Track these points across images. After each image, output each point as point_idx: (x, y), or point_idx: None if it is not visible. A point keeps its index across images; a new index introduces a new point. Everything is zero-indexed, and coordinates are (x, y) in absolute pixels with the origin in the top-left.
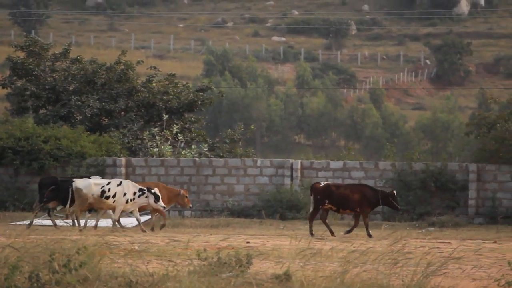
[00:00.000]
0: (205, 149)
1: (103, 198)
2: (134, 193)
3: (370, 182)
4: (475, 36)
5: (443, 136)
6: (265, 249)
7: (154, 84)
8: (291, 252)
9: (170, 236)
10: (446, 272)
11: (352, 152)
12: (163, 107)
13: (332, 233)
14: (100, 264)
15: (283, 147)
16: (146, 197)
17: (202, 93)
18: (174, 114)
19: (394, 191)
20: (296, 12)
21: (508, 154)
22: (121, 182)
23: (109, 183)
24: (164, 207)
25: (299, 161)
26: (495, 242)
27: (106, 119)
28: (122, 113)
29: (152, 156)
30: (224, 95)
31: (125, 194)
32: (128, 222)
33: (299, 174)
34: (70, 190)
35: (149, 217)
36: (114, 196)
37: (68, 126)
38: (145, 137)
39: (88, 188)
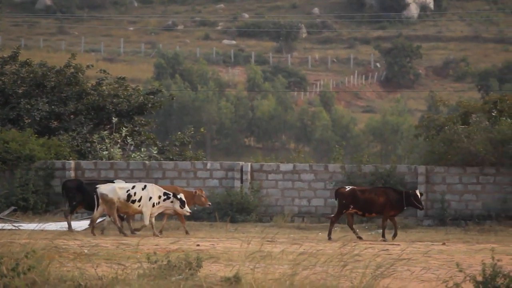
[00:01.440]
0: (155, 152)
1: (129, 202)
2: (159, 197)
3: (320, 185)
4: (425, 39)
5: (392, 138)
6: (215, 252)
7: (104, 87)
8: (241, 255)
9: (120, 239)
10: (395, 274)
11: (302, 155)
12: (113, 110)
13: (360, 238)
14: (49, 268)
15: (233, 150)
16: (172, 201)
17: (152, 96)
18: (124, 117)
19: (417, 191)
20: (246, 15)
21: (457, 156)
22: (145, 186)
23: (133, 187)
24: (190, 213)
25: (249, 163)
26: (443, 244)
27: (55, 122)
28: (72, 116)
29: (102, 159)
30: (174, 98)
31: (150, 198)
32: (78, 225)
33: (249, 177)
34: (95, 194)
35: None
36: (139, 200)
37: (17, 129)
38: (94, 140)
39: (113, 193)
